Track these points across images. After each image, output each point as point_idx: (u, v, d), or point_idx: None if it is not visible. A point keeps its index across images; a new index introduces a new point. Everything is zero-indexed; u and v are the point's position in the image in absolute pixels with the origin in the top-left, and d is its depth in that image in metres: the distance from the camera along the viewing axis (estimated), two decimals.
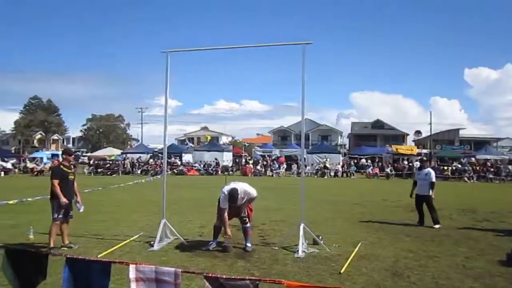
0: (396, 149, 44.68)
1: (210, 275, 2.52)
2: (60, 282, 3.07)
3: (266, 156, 42.68)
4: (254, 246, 7.74)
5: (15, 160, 45.14)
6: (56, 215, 7.48)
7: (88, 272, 2.66)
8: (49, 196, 7.68)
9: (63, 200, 7.42)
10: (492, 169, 33.52)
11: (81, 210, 8.08)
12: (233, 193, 7.36)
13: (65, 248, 7.56)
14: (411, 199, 10.96)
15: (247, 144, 63.80)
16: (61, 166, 7.84)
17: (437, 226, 10.09)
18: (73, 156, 8.87)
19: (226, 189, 7.52)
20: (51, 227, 7.50)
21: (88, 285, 2.64)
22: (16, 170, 38.99)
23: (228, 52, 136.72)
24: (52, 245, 7.36)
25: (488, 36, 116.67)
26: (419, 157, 38.92)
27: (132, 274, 2.57)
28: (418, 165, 14.01)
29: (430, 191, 10.52)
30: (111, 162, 40.08)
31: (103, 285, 2.64)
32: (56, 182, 7.51)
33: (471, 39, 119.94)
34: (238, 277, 2.50)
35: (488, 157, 38.08)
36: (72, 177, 7.88)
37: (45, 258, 3.01)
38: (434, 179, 10.64)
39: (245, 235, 7.69)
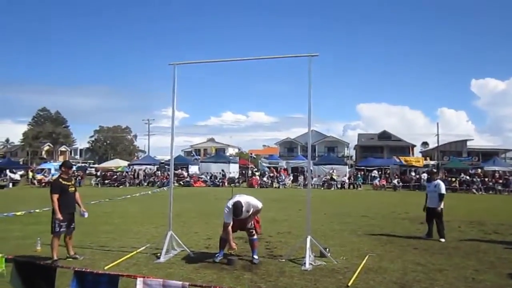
0: (406, 160, 44.38)
1: None
2: None
3: (272, 167, 42.62)
4: (260, 259, 7.71)
5: (23, 171, 45.49)
6: (57, 229, 7.46)
7: (95, 285, 2.67)
8: (51, 209, 7.66)
9: (58, 216, 7.38)
10: (500, 181, 33.23)
11: (86, 216, 8.10)
12: (236, 206, 7.36)
13: (71, 259, 7.57)
14: (422, 211, 10.87)
15: (254, 156, 63.75)
16: (60, 180, 7.81)
17: (442, 240, 9.92)
18: (72, 168, 8.90)
19: (230, 203, 7.53)
20: (52, 240, 7.49)
21: None
22: (21, 179, 39.31)
23: (234, 64, 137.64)
24: (55, 257, 7.37)
25: (495, 47, 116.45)
26: (427, 169, 38.85)
27: (139, 287, 2.58)
28: (426, 177, 13.93)
29: (439, 203, 10.36)
30: (118, 174, 40.20)
31: None
32: (55, 197, 7.48)
33: (478, 50, 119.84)
34: None
35: (496, 168, 37.75)
36: (73, 189, 7.87)
37: (54, 271, 3.03)
38: (443, 191, 10.49)
39: (252, 247, 7.65)
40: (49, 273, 3.04)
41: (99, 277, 2.73)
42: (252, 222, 7.72)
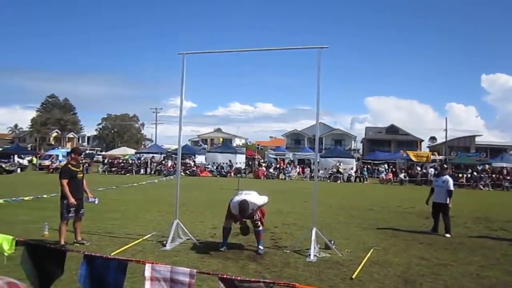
0: (414, 155, 44.17)
1: (224, 276, 2.54)
2: (76, 278, 3.12)
3: (279, 159, 42.62)
4: (266, 249, 7.75)
5: (31, 157, 45.89)
6: (66, 215, 7.57)
7: (104, 270, 2.70)
8: (60, 195, 7.76)
9: (72, 201, 7.49)
10: (508, 177, 32.99)
11: (97, 202, 8.20)
12: (243, 207, 7.39)
13: (78, 244, 7.66)
14: (426, 206, 10.84)
15: (261, 147, 63.74)
16: (69, 166, 7.90)
17: (448, 235, 9.88)
18: (81, 155, 8.97)
19: (237, 199, 7.56)
20: (60, 225, 7.60)
21: (104, 282, 2.68)
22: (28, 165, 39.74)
23: (243, 55, 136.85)
24: (62, 242, 7.45)
25: (506, 42, 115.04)
26: (434, 164, 38.65)
27: (147, 272, 2.60)
28: (433, 172, 13.83)
29: (448, 199, 10.30)
30: (124, 162, 40.41)
31: (118, 282, 2.68)
32: (65, 182, 7.57)
33: (489, 45, 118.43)
34: (253, 280, 2.51)
35: (504, 165, 37.43)
36: (81, 175, 7.97)
37: (63, 254, 3.07)
38: (452, 187, 10.41)
39: (257, 238, 7.70)
40: (60, 256, 3.07)
41: (109, 262, 2.76)
42: (257, 213, 7.73)
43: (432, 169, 35.74)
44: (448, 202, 10.28)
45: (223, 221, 10.83)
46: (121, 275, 2.69)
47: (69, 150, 49.94)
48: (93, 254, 2.94)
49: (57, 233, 7.70)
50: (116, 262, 2.75)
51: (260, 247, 7.59)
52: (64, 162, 8.33)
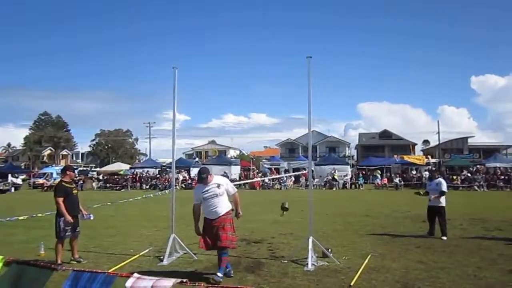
0: (402, 157, 44.56)
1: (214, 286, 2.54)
2: None
3: (273, 169, 42.63)
4: (263, 260, 7.75)
5: (25, 175, 45.61)
6: (62, 234, 7.48)
7: (89, 283, 2.69)
8: (55, 213, 7.68)
9: (68, 218, 7.43)
10: (502, 177, 33.21)
11: (92, 218, 8.18)
12: (202, 170, 6.73)
13: (74, 262, 7.61)
14: (424, 210, 10.89)
15: (253, 158, 63.73)
16: (63, 183, 7.83)
17: (444, 238, 9.91)
18: (75, 172, 8.95)
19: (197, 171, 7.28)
20: (56, 245, 7.50)
21: None
22: (23, 184, 39.45)
23: (235, 66, 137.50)
24: (59, 261, 7.38)
25: (494, 43, 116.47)
26: (428, 167, 38.85)
27: (129, 283, 2.61)
28: (428, 175, 13.89)
29: (441, 201, 10.36)
30: (119, 177, 40.27)
31: None
32: (60, 200, 7.50)
33: (477, 46, 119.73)
34: (240, 286, 2.53)
35: (497, 165, 37.74)
36: (76, 191, 7.95)
37: (50, 270, 3.05)
38: (444, 189, 10.48)
39: (220, 262, 6.51)
40: (44, 273, 3.05)
41: (96, 275, 2.75)
42: (229, 231, 6.52)
43: (427, 172, 35.92)
44: (441, 204, 10.34)
45: None
46: (105, 286, 2.68)
47: (62, 167, 49.73)
48: (82, 269, 2.92)
49: (53, 252, 7.64)
50: (104, 276, 2.74)
51: (219, 274, 6.30)
52: (58, 180, 8.26)
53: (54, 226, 7.59)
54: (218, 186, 6.55)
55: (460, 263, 7.42)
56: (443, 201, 10.41)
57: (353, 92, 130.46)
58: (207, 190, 6.54)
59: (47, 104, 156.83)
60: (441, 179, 10.81)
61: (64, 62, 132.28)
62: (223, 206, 6.61)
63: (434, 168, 14.06)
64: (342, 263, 7.48)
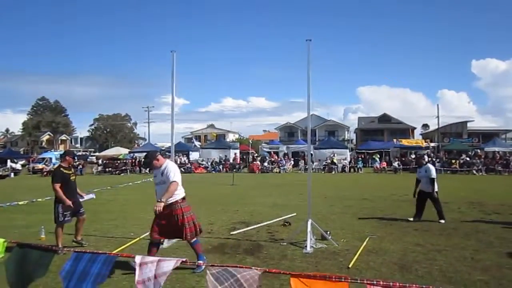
0: (401, 141, 44.71)
1: (215, 265, 2.57)
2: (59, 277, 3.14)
3: (273, 152, 42.68)
4: (262, 242, 7.81)
5: (24, 161, 45.64)
6: (61, 219, 7.48)
7: (90, 263, 2.71)
8: (54, 199, 7.69)
9: (68, 203, 7.43)
10: (500, 161, 33.28)
11: (94, 196, 8.16)
12: (146, 155, 6.58)
13: (75, 244, 7.64)
14: (408, 192, 10.91)
15: (251, 141, 63.78)
16: (61, 169, 7.79)
17: (442, 221, 9.94)
18: (74, 157, 8.89)
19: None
20: (56, 229, 7.51)
21: (86, 274, 2.68)
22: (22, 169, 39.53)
23: (234, 50, 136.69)
24: (60, 245, 7.42)
25: (494, 27, 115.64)
26: (427, 151, 38.93)
27: (138, 259, 2.64)
28: (426, 159, 13.82)
29: (432, 187, 10.31)
30: (119, 162, 40.32)
31: (102, 273, 2.68)
32: (57, 186, 7.47)
33: (478, 30, 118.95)
34: (245, 266, 2.55)
35: (496, 149, 37.80)
36: (74, 177, 7.90)
37: (52, 253, 3.08)
38: (433, 175, 10.41)
39: (196, 250, 6.27)
40: (47, 256, 3.08)
41: (96, 256, 2.77)
42: (186, 222, 6.10)
43: (426, 157, 35.98)
44: (431, 190, 10.29)
45: (219, 217, 10.92)
46: (105, 268, 2.69)
47: (62, 152, 49.68)
48: (83, 251, 2.94)
49: (53, 236, 7.68)
50: (104, 256, 2.76)
51: (200, 261, 5.81)
52: (57, 166, 8.19)
53: (53, 211, 7.60)
54: (162, 173, 6.20)
55: (458, 246, 7.49)
56: (434, 186, 10.38)
57: (352, 76, 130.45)
58: (155, 176, 6.37)
59: (45, 89, 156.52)
60: (429, 165, 10.75)
61: (62, 47, 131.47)
62: None
63: (419, 155, 13.89)
64: (340, 246, 7.55)
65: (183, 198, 6.24)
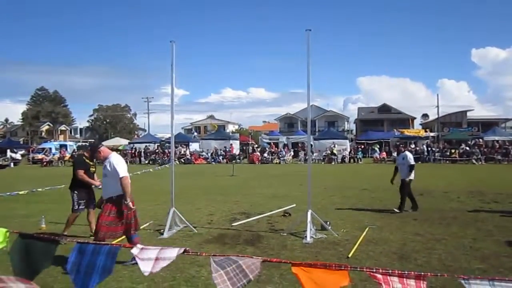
0: (401, 131, 44.71)
1: (217, 255, 2.59)
2: (63, 267, 3.14)
3: (272, 143, 42.68)
4: (262, 233, 7.85)
5: (24, 151, 45.65)
6: (76, 207, 7.53)
7: (95, 255, 2.73)
8: (69, 186, 7.71)
9: (98, 183, 7.49)
10: (500, 150, 33.28)
11: None
12: (93, 145, 6.56)
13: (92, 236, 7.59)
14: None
15: (252, 132, 63.75)
16: (84, 158, 7.89)
17: (397, 211, 9.89)
18: (98, 152, 8.91)
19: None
20: (69, 217, 7.55)
21: (92, 266, 2.70)
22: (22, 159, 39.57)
23: (233, 41, 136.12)
24: (65, 233, 7.44)
25: (494, 16, 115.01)
26: (427, 141, 38.94)
27: (135, 250, 2.66)
28: (425, 149, 13.82)
29: (409, 174, 10.29)
30: (119, 152, 40.35)
31: (107, 266, 2.70)
32: (82, 172, 7.54)
33: (477, 19, 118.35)
34: (246, 256, 2.57)
35: (496, 138, 37.78)
36: (94, 169, 7.94)
37: (55, 244, 3.10)
38: (412, 162, 10.41)
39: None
40: (50, 247, 3.10)
41: (100, 247, 2.79)
42: (133, 219, 5.98)
43: (424, 147, 36.02)
44: (408, 177, 10.27)
45: (219, 208, 10.94)
46: (110, 260, 2.71)
47: (61, 142, 49.74)
48: (86, 242, 2.96)
49: (54, 226, 7.74)
50: (108, 247, 2.78)
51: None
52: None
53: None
54: (105, 166, 5.99)
55: (457, 235, 7.53)
56: (410, 174, 10.34)
57: (352, 66, 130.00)
58: (103, 168, 6.07)
59: (44, 79, 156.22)
60: (407, 153, 10.75)
61: (61, 37, 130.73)
62: (109, 188, 5.95)
63: (399, 143, 13.83)
64: (340, 236, 7.58)
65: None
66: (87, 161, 7.80)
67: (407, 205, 10.20)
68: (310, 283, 2.31)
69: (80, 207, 7.58)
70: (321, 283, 2.30)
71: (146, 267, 2.53)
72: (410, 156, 10.62)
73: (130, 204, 5.82)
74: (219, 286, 2.38)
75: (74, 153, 39.63)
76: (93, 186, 7.64)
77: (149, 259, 2.57)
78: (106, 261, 2.71)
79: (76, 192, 7.57)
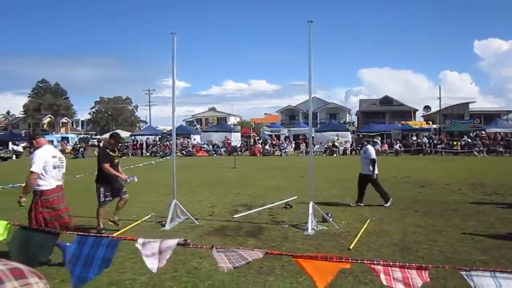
0: (404, 123, 44.64)
1: (218, 247, 2.60)
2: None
3: (274, 135, 42.64)
4: (264, 225, 7.86)
5: (25, 143, 45.68)
6: (102, 199, 7.56)
7: (95, 247, 2.73)
8: (95, 180, 7.73)
9: (125, 177, 7.62)
10: (502, 142, 33.20)
11: (136, 179, 8.18)
12: (30, 135, 6.26)
13: (110, 223, 7.65)
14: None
15: (253, 124, 63.69)
16: (107, 150, 7.91)
17: (386, 204, 9.70)
18: (120, 141, 8.94)
19: None
20: (97, 211, 7.58)
21: (92, 257, 2.70)
22: (23, 151, 39.57)
23: (235, 32, 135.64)
24: (101, 226, 7.50)
25: (496, 7, 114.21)
26: (428, 133, 38.85)
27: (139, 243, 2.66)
28: (426, 141, 13.74)
29: (372, 169, 10.18)
30: (120, 145, 40.40)
31: (107, 257, 2.70)
32: (107, 165, 7.54)
33: (480, 10, 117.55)
34: (248, 248, 2.60)
35: (498, 130, 37.68)
36: (117, 160, 7.95)
37: (56, 236, 3.11)
38: (373, 156, 10.26)
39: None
40: (51, 238, 3.11)
41: (100, 239, 2.79)
42: (34, 219, 5.61)
43: (426, 139, 35.97)
44: (370, 172, 10.15)
45: (221, 200, 10.96)
46: (110, 252, 2.72)
47: (63, 135, 49.90)
48: (86, 234, 2.96)
49: None
50: (108, 240, 2.78)
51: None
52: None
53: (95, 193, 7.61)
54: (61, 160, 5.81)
55: (458, 227, 7.53)
56: (374, 170, 10.22)
57: (354, 58, 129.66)
58: None
59: (45, 71, 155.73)
60: (368, 146, 10.61)
61: (62, 29, 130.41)
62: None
63: (361, 135, 13.61)
64: (341, 228, 7.59)
65: (43, 192, 5.57)
66: (110, 153, 7.82)
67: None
68: (310, 266, 2.34)
69: (107, 199, 7.61)
70: (321, 266, 2.33)
71: (153, 264, 2.55)
72: (371, 150, 10.43)
73: (21, 200, 5.62)
74: (219, 262, 2.46)
75: (76, 146, 39.72)
76: (124, 177, 7.70)
77: (153, 254, 2.58)
78: (105, 253, 2.71)
79: (102, 186, 7.57)
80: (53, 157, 5.70)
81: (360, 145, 10.86)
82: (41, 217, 5.50)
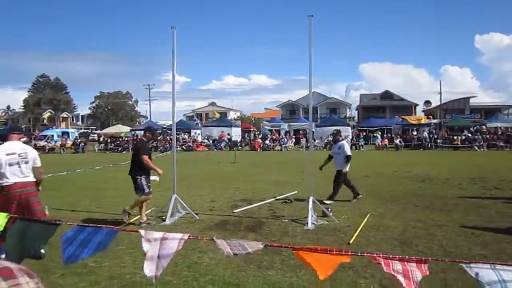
0: (404, 118, 44.61)
1: (219, 239, 2.62)
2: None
3: (274, 130, 42.61)
4: (264, 219, 7.87)
5: (26, 138, 45.64)
6: (147, 190, 7.63)
7: (93, 235, 2.73)
8: (130, 172, 7.86)
9: (160, 171, 7.75)
10: (502, 137, 33.17)
11: (158, 179, 8.23)
12: (6, 129, 6.16)
13: (144, 225, 7.62)
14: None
15: (253, 119, 63.62)
16: (146, 142, 7.97)
17: (328, 202, 9.54)
18: (155, 134, 9.00)
19: None
20: (138, 202, 7.64)
21: (88, 241, 2.69)
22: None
23: (235, 27, 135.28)
24: (144, 219, 7.62)
25: (498, 0, 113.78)
26: (429, 128, 38.81)
27: (142, 233, 2.67)
28: (332, 139, 13.46)
29: (345, 165, 10.15)
30: (120, 140, 40.39)
31: (103, 242, 2.70)
32: (146, 157, 7.65)
33: (481, 5, 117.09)
34: (250, 241, 2.61)
35: (498, 124, 37.64)
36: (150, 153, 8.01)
37: (55, 227, 3.11)
38: (348, 152, 10.23)
39: None
40: (50, 230, 3.11)
41: (99, 228, 2.79)
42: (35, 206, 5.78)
43: (426, 133, 35.96)
44: (346, 168, 10.11)
45: (221, 194, 10.96)
46: (108, 238, 2.72)
47: (63, 130, 49.82)
48: (85, 225, 2.96)
49: (57, 213, 7.73)
50: (107, 229, 2.78)
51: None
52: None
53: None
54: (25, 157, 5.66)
55: (458, 221, 7.53)
56: (347, 166, 10.20)
57: (355, 53, 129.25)
58: None
59: (45, 66, 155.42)
60: (343, 142, 10.58)
61: (62, 24, 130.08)
62: None
63: (336, 131, 13.44)
64: (341, 222, 7.59)
65: (3, 187, 5.42)
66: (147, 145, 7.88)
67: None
68: (311, 259, 2.35)
69: (150, 189, 7.70)
70: (322, 259, 2.34)
71: (152, 271, 2.57)
72: (347, 146, 10.42)
73: None
74: (220, 246, 2.55)
75: (76, 140, 39.69)
76: (160, 171, 7.83)
77: (152, 258, 2.59)
78: (103, 238, 2.72)
79: (143, 177, 7.64)
80: (10, 154, 5.42)
81: (334, 140, 10.77)
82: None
